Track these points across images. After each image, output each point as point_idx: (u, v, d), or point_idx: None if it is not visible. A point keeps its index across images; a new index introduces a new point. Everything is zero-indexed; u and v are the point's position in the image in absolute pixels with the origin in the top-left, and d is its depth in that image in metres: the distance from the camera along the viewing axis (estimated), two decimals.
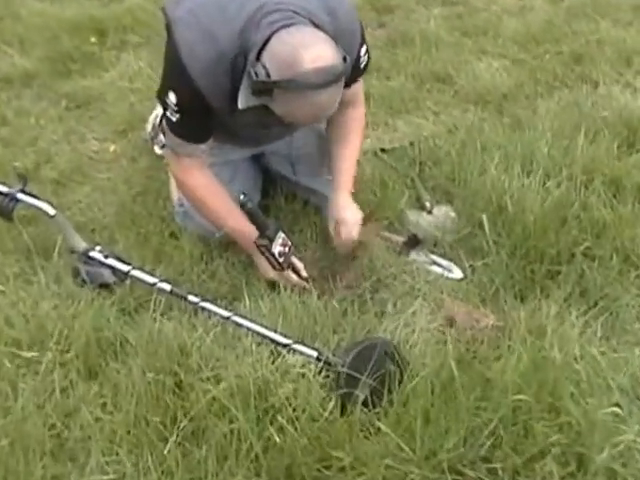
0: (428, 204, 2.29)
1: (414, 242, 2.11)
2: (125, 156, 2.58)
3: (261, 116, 1.66)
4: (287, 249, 1.85)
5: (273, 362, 1.62)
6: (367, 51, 1.84)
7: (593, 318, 1.74)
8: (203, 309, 1.79)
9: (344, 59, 1.57)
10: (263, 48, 1.56)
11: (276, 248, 1.82)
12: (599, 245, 1.91)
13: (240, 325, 1.72)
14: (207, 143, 1.84)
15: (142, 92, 2.90)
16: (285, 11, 1.62)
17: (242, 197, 1.78)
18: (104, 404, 1.57)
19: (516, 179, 2.13)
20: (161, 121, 1.89)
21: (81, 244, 1.97)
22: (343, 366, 1.55)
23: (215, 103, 1.69)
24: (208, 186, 1.88)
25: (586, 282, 1.85)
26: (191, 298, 1.81)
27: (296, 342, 1.66)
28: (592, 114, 2.61)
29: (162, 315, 1.81)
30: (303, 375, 1.58)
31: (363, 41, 1.82)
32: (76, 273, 1.95)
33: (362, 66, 1.85)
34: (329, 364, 1.60)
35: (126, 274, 1.90)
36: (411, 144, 2.57)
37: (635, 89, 2.90)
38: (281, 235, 1.84)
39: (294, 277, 1.90)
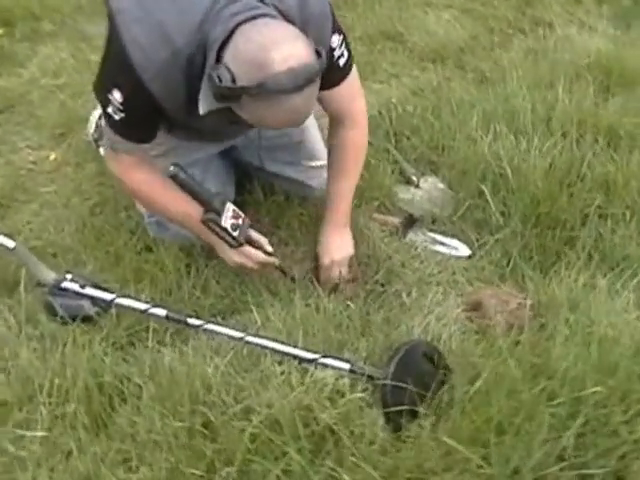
0: (414, 178, 2.20)
1: (411, 222, 2.02)
2: (68, 163, 2.35)
3: (226, 115, 1.49)
4: (241, 221, 1.67)
5: (302, 382, 1.50)
6: (344, 44, 1.63)
7: (622, 284, 1.70)
8: (207, 332, 1.64)
9: (318, 54, 1.39)
10: (225, 45, 1.39)
11: (227, 221, 1.64)
12: (610, 203, 1.87)
13: (256, 345, 1.59)
14: (152, 142, 1.65)
15: (71, 87, 2.64)
16: None
17: (171, 168, 1.57)
18: (126, 460, 1.42)
19: (506, 141, 2.06)
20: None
21: (49, 274, 1.78)
22: (386, 378, 1.46)
23: (170, 105, 1.52)
24: (149, 179, 1.68)
25: (604, 245, 1.81)
26: (192, 321, 1.66)
27: (324, 355, 1.55)
28: (557, 60, 2.56)
29: (160, 344, 1.67)
30: (339, 392, 1.48)
31: (335, 29, 1.60)
32: (50, 309, 1.75)
33: (341, 64, 1.63)
34: (370, 376, 1.50)
35: (110, 303, 1.73)
36: (380, 113, 2.45)
37: (590, 28, 2.88)
38: (230, 207, 1.66)
39: (259, 254, 1.72)
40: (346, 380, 1.51)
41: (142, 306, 1.69)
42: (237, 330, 1.63)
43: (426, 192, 2.15)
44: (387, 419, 1.44)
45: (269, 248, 1.74)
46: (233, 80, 1.35)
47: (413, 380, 1.45)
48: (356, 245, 1.89)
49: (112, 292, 1.74)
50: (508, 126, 2.13)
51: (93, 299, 1.75)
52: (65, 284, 1.75)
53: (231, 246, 1.68)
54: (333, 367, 1.53)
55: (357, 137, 1.79)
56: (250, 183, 2.10)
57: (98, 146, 2.29)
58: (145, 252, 1.95)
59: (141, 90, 1.45)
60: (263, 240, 1.74)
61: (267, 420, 1.39)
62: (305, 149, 2.00)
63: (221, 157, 2.01)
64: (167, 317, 1.68)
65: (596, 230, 1.83)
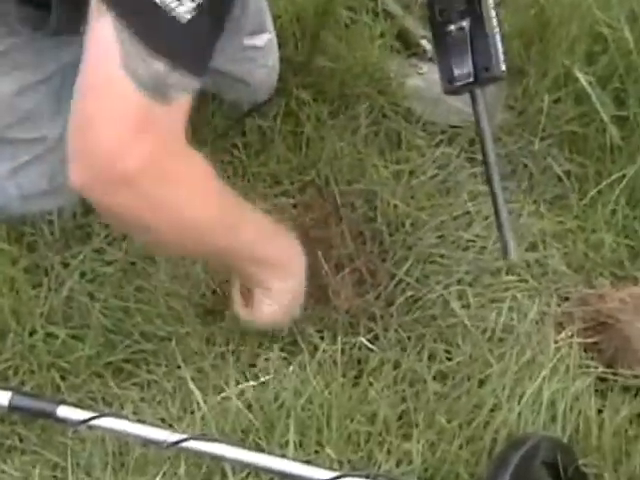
0: (423, 42, 1.49)
1: None
2: None
3: None
4: None
5: None
6: None
7: None
8: (99, 429, 0.98)
9: None
10: None
11: None
12: None
13: (202, 454, 0.95)
14: None
15: None
16: None
17: None
18: None
19: None
20: None
21: None
22: None
23: None
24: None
25: None
26: (64, 413, 0.98)
27: (344, 474, 0.92)
28: None
29: None
30: None
31: None
32: None
33: None
34: None
35: None
36: None
37: None
38: None
39: None
40: None
41: None
42: (160, 428, 0.97)
43: None
44: None
45: None
46: None
47: None
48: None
49: None
50: None
51: None
52: None
53: None
54: None
55: None
56: None
57: None
58: None
59: None
60: None
61: None
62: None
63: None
64: (11, 407, 0.98)
65: None
